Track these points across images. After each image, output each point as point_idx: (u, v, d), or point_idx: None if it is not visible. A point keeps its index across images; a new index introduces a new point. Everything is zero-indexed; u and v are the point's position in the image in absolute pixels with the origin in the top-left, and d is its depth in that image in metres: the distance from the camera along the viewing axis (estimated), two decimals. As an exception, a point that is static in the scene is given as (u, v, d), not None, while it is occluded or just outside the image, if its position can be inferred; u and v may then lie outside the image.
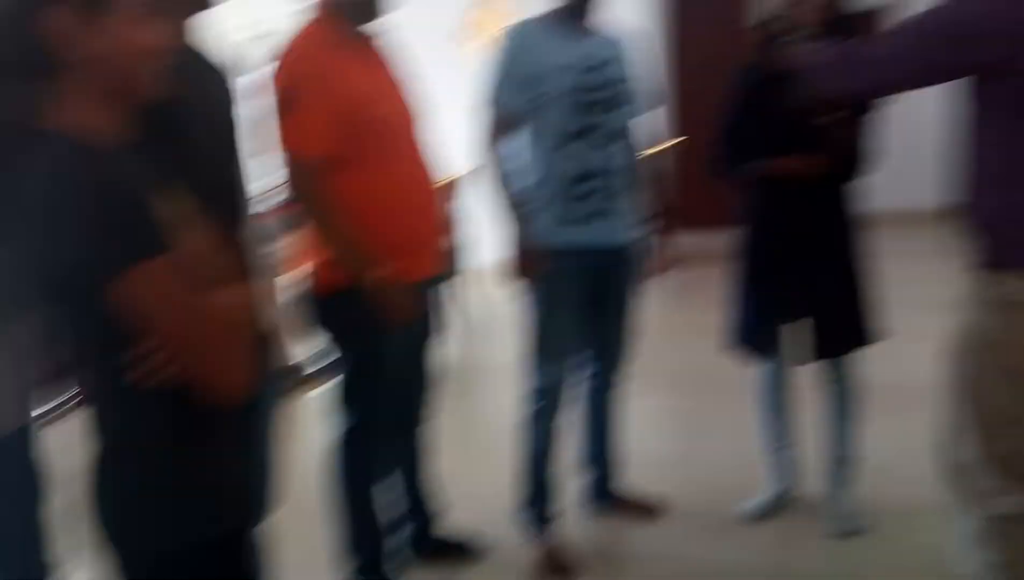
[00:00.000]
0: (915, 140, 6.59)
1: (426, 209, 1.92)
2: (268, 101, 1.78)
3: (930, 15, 1.50)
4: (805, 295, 2.28)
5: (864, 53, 1.60)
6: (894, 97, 1.74)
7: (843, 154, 2.17)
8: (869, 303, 2.31)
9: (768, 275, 2.32)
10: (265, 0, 6.61)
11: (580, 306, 2.22)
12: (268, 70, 1.79)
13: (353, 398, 1.96)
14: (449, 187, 4.68)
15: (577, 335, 2.26)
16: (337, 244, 1.81)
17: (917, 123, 6.62)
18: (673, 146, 5.49)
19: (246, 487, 1.28)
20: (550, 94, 2.08)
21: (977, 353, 1.57)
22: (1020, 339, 1.52)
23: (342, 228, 1.79)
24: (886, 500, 2.48)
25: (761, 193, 2.33)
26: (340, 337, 1.93)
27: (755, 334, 2.37)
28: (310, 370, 4.14)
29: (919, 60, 1.52)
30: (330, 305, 1.89)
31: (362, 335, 1.88)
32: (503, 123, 2.13)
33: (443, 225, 2.05)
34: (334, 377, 1.99)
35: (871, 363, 2.39)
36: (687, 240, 6.68)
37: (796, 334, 2.32)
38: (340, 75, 1.75)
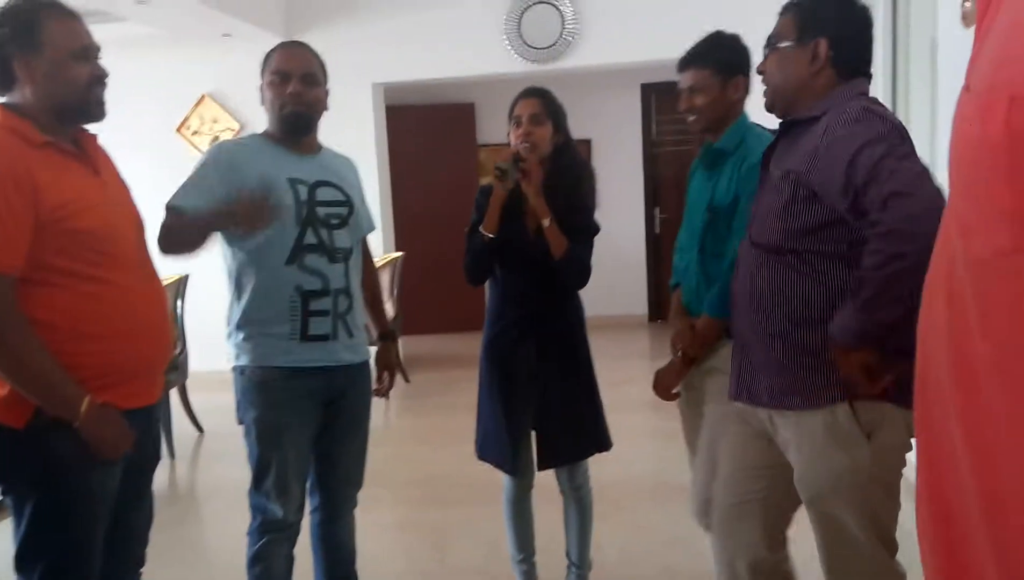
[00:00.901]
0: (623, 255, 7.45)
1: (150, 329, 1.72)
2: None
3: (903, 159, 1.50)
4: (531, 407, 2.37)
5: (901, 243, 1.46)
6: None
7: (562, 264, 2.31)
8: (593, 414, 2.44)
9: (499, 388, 2.39)
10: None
11: (311, 431, 2.11)
12: None
13: (36, 559, 1.63)
14: (174, 287, 4.36)
15: (307, 463, 2.14)
16: (23, 374, 1.55)
17: (624, 239, 7.56)
18: (397, 259, 5.70)
19: None
20: (278, 206, 2.00)
21: (848, 496, 1.66)
22: (886, 473, 1.65)
23: (34, 355, 1.54)
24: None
25: (492, 303, 2.45)
26: (19, 483, 1.63)
27: (494, 446, 2.42)
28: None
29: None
30: (8, 445, 1.60)
31: (47, 481, 1.61)
32: (181, 226, 1.96)
33: (171, 345, 1.84)
34: (16, 529, 1.65)
35: (589, 461, 2.51)
36: (416, 344, 6.92)
37: (525, 445, 2.40)
38: (34, 182, 1.53)
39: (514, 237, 2.34)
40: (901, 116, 3.70)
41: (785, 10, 1.77)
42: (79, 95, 1.65)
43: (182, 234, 1.96)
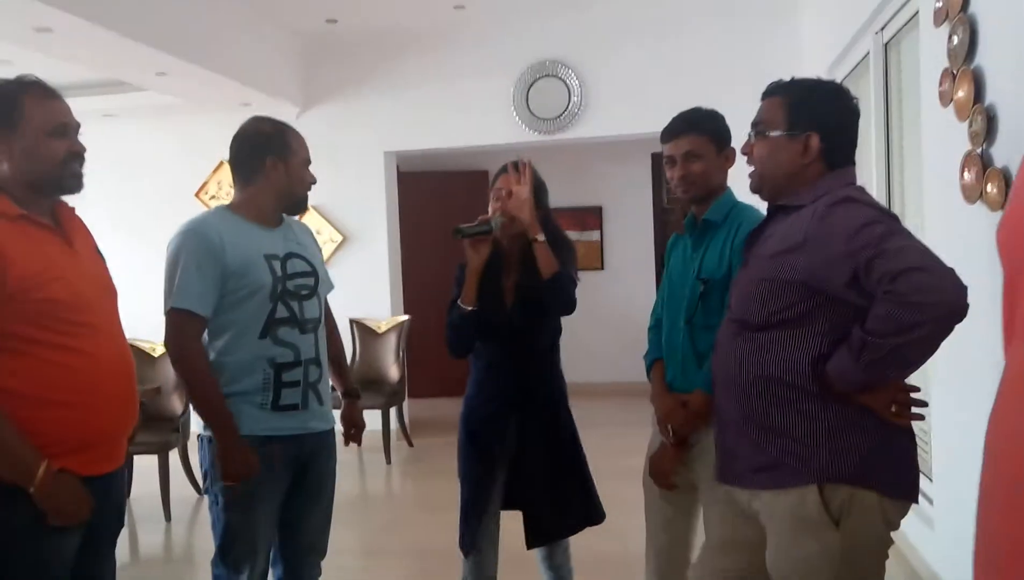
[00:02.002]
0: (634, 320, 7.44)
1: (114, 397, 1.76)
2: None
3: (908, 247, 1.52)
4: (516, 483, 2.33)
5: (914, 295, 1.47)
6: None
7: (549, 284, 2.26)
8: (581, 486, 2.39)
9: (474, 463, 2.36)
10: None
11: (280, 499, 2.12)
12: None
13: None
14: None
15: (274, 531, 2.14)
16: None
17: (635, 304, 7.55)
18: (403, 323, 5.74)
19: None
20: (255, 284, 2.06)
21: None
22: (861, 561, 1.61)
23: None
24: None
25: (473, 375, 2.43)
26: None
27: (465, 528, 2.34)
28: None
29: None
30: None
31: (11, 546, 1.63)
32: (199, 326, 2.04)
33: (135, 412, 1.87)
34: None
35: (587, 535, 2.45)
36: (421, 408, 6.90)
37: (489, 524, 2.33)
38: (3, 253, 1.60)
39: (492, 310, 2.33)
40: (896, 189, 3.73)
41: (772, 92, 1.76)
42: (55, 170, 1.72)
43: (197, 378, 2.03)
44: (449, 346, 2.41)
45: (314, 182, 2.22)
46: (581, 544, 2.49)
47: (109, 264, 1.91)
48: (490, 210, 2.38)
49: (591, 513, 2.40)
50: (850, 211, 1.59)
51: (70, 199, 1.83)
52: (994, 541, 0.72)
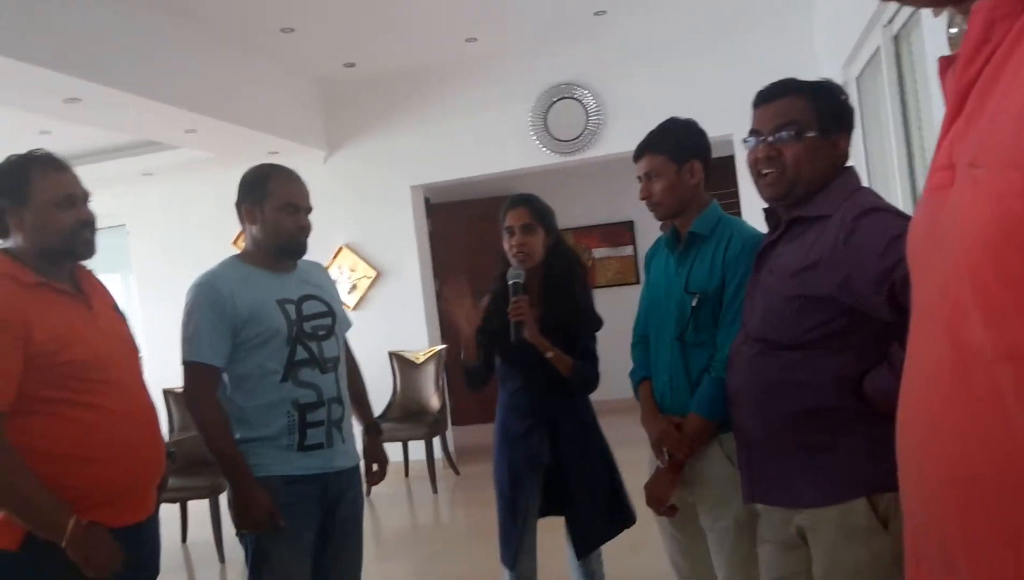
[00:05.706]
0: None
1: (138, 449, 1.84)
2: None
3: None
4: (553, 496, 2.45)
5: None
6: None
7: (570, 382, 2.42)
8: (615, 494, 2.50)
9: (513, 484, 2.46)
10: None
11: (310, 538, 2.14)
12: None
13: None
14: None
15: (307, 570, 2.15)
16: (9, 498, 1.66)
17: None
18: (440, 352, 5.79)
19: None
20: (269, 330, 2.09)
21: None
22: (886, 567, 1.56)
23: (19, 479, 1.66)
24: None
25: (504, 397, 2.54)
26: None
27: (506, 543, 2.46)
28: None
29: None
30: (3, 568, 1.70)
31: None
32: (213, 376, 2.09)
33: (160, 463, 1.94)
34: None
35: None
36: (465, 435, 6.91)
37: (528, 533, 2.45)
38: (24, 321, 1.69)
39: (514, 346, 2.39)
40: (920, 186, 3.65)
41: (786, 92, 1.68)
42: (64, 239, 1.81)
43: (210, 428, 2.06)
44: (466, 384, 2.55)
45: (301, 233, 2.18)
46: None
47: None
48: (506, 247, 2.49)
49: (625, 517, 2.51)
50: (878, 223, 1.52)
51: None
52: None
